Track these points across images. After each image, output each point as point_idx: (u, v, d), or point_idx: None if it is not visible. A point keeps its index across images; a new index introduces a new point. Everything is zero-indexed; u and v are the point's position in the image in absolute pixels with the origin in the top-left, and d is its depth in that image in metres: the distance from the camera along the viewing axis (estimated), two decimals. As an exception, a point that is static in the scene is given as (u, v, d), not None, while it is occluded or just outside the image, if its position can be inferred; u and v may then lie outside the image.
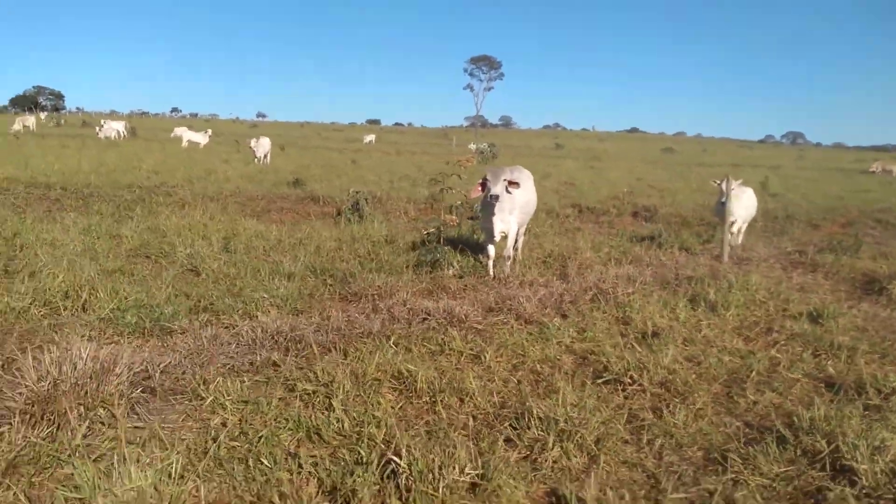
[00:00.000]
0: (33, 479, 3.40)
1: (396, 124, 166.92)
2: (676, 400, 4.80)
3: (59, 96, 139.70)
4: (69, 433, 3.81)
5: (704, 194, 19.52)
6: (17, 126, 43.15)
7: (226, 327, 5.85)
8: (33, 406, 3.99)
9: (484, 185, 8.10)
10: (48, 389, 4.02)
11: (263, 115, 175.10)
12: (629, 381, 5.03)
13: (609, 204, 16.99)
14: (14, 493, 3.30)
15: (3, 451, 3.56)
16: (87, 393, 4.08)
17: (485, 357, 5.33)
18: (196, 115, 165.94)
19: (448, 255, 8.62)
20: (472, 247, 9.56)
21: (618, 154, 58.02)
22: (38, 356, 4.37)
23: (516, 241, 8.82)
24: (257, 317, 6.05)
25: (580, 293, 7.40)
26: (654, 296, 7.41)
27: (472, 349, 5.52)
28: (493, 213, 8.13)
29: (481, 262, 8.70)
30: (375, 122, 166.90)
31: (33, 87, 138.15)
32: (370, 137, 61.33)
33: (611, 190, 20.32)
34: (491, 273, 8.32)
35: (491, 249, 8.42)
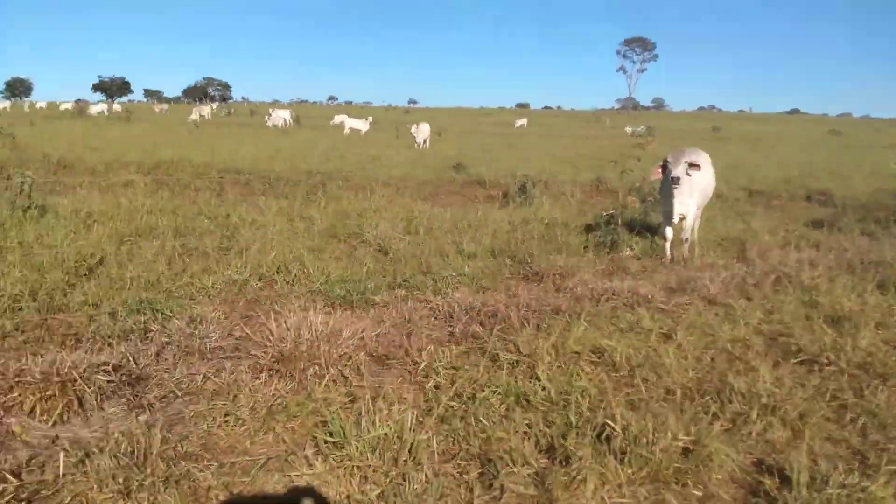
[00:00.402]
0: (287, 425, 3.94)
1: (546, 108, 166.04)
2: (876, 381, 4.75)
3: (227, 87, 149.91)
4: (308, 388, 4.36)
5: (882, 178, 18.27)
6: (194, 116, 46.89)
7: (420, 302, 6.32)
8: (277, 363, 4.58)
9: (664, 167, 8.15)
10: (290, 349, 4.60)
11: (415, 102, 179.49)
12: (826, 361, 5.01)
13: (780, 188, 16.34)
14: (274, 436, 3.85)
15: (260, 400, 4.13)
16: (320, 354, 4.61)
17: (675, 336, 5.46)
18: (351, 102, 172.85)
19: (625, 237, 8.76)
20: (647, 229, 9.64)
21: (780, 136, 54.84)
22: (278, 321, 4.99)
23: (693, 223, 8.79)
24: (448, 293, 6.48)
25: (762, 276, 7.32)
26: (840, 280, 7.19)
27: (661, 328, 5.67)
28: (672, 196, 8.15)
29: (658, 245, 8.76)
30: (524, 105, 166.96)
31: (203, 78, 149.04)
32: (522, 121, 61.54)
33: (779, 173, 19.45)
34: (668, 255, 8.37)
35: (669, 232, 8.45)
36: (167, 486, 3.30)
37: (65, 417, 3.92)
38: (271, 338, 4.74)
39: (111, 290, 6.09)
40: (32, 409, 3.91)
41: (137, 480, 3.28)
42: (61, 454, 3.40)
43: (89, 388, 4.07)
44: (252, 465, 3.53)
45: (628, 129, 43.29)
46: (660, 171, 8.24)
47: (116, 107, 59.52)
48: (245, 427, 3.90)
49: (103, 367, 4.27)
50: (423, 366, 4.73)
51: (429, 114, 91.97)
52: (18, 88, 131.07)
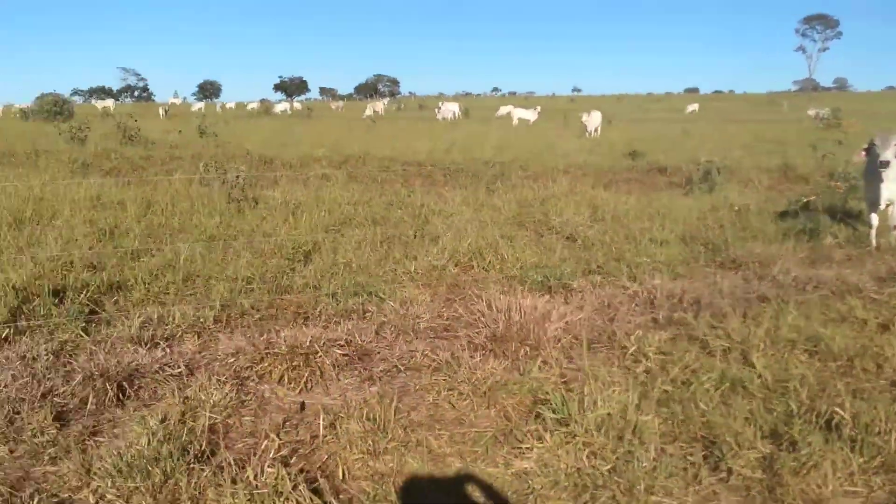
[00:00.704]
0: (507, 402, 4.14)
1: (716, 91, 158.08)
2: None
3: (395, 82, 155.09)
4: (521, 367, 4.55)
5: None
6: (368, 112, 49.05)
7: (618, 288, 6.34)
8: (491, 342, 4.81)
9: (869, 150, 7.64)
10: (502, 330, 4.81)
11: (579, 90, 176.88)
12: None
13: None
14: (496, 411, 4.06)
15: (479, 377, 4.36)
16: (531, 335, 4.79)
17: (893, 327, 5.16)
18: (514, 93, 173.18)
19: (826, 225, 8.30)
20: (849, 216, 9.07)
21: None
22: (489, 303, 5.23)
23: (901, 210, 8.16)
24: (645, 279, 6.45)
25: None
26: None
27: (876, 318, 5.36)
28: (879, 181, 7.62)
29: (862, 232, 8.22)
30: (693, 90, 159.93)
31: (374, 75, 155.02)
32: (693, 107, 59.18)
33: None
34: (874, 243, 7.84)
35: (874, 219, 7.91)
36: (408, 450, 3.60)
37: (308, 386, 4.34)
38: (483, 318, 4.98)
39: (327, 273, 6.60)
40: (281, 378, 4.38)
41: (382, 444, 3.60)
42: (321, 417, 3.80)
43: (328, 360, 4.49)
44: (480, 437, 3.76)
45: (811, 112, 40.33)
46: (864, 154, 7.74)
47: (297, 105, 63.39)
48: (467, 401, 4.14)
49: (337, 343, 4.69)
50: (631, 350, 4.78)
51: (594, 101, 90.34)
52: (209, 90, 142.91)
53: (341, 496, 3.24)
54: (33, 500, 3.12)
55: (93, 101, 53.19)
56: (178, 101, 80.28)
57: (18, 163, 15.63)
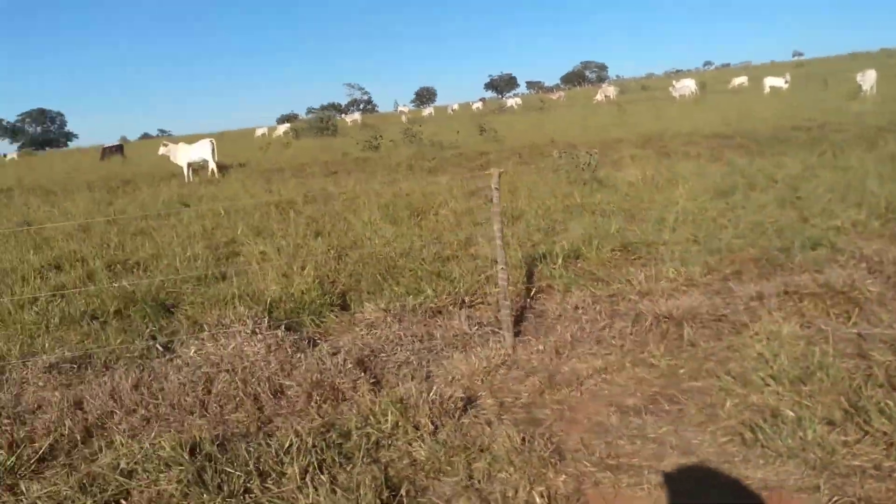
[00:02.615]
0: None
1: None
2: None
3: (603, 67, 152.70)
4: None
5: None
6: (599, 97, 49.64)
7: None
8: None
9: None
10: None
11: (800, 54, 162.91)
12: None
13: None
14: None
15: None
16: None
17: None
18: (728, 64, 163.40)
19: None
20: None
21: None
22: None
23: None
24: None
25: None
26: None
27: None
28: None
29: None
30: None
31: (580, 62, 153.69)
32: None
33: None
34: None
35: None
36: None
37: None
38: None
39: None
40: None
41: None
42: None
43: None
44: None
45: None
46: None
47: (516, 101, 64.67)
48: None
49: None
50: None
51: (822, 64, 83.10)
52: (425, 96, 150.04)
53: None
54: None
55: (342, 117, 57.83)
56: (406, 109, 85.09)
57: (349, 170, 17.78)
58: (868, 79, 25.93)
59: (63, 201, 15.35)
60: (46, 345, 5.70)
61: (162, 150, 20.03)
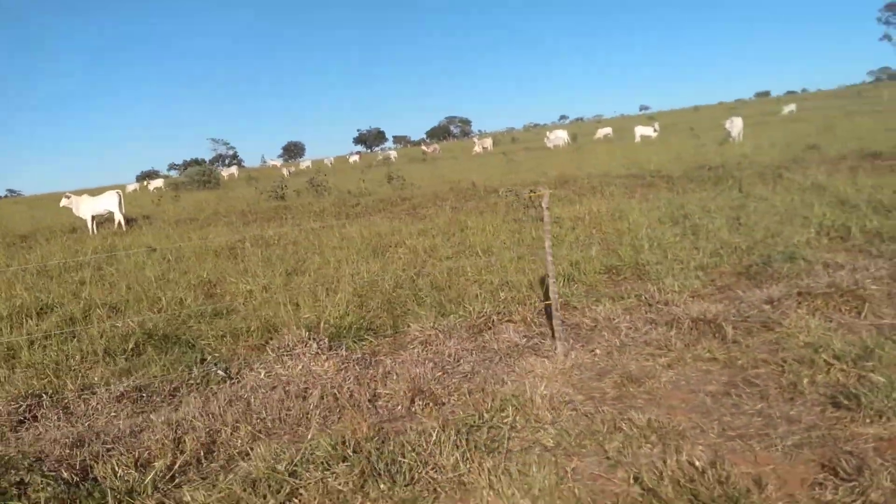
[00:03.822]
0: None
1: (789, 92, 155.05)
2: None
3: (467, 122, 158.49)
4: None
5: None
6: (477, 148, 51.64)
7: None
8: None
9: None
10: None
11: (647, 107, 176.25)
12: None
13: None
14: None
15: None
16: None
17: None
18: (581, 118, 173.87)
19: None
20: None
21: None
22: None
23: None
24: None
25: None
26: None
27: None
28: None
29: None
30: (764, 93, 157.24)
31: (445, 117, 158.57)
32: (790, 107, 58.55)
33: None
34: None
35: None
36: None
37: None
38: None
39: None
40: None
41: None
42: None
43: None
44: None
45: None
46: None
47: (394, 153, 65.96)
48: None
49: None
50: None
51: (670, 116, 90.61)
52: (293, 151, 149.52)
53: None
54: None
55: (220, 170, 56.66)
56: (277, 163, 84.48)
57: (268, 218, 17.70)
58: (736, 126, 28.78)
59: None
60: (96, 378, 5.57)
61: (64, 202, 19.09)
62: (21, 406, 5.13)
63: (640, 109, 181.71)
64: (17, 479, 3.77)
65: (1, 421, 4.98)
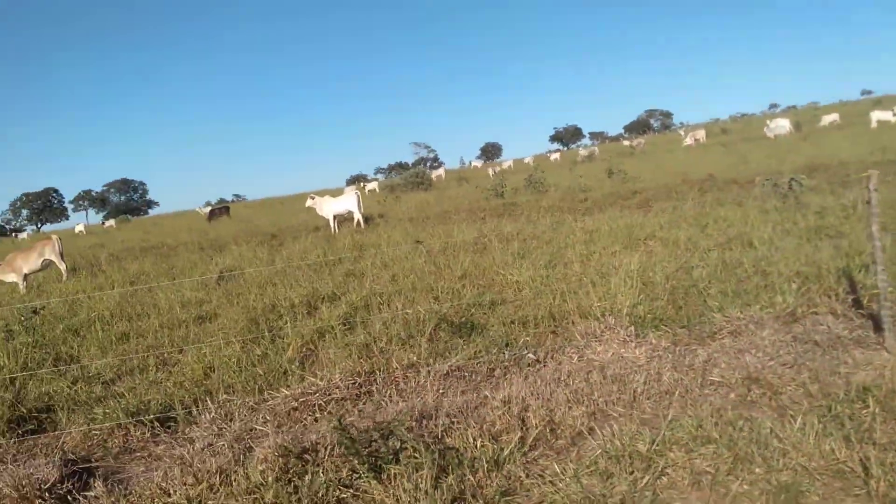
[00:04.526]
0: None
1: (790, 107, 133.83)
2: None
3: (668, 115, 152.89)
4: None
5: None
6: (689, 140, 49.58)
7: None
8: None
9: None
10: None
11: (869, 92, 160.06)
12: None
13: None
14: None
15: None
16: None
17: None
18: (793, 106, 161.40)
19: None
20: None
21: None
22: None
23: None
24: None
25: None
26: None
27: None
28: None
29: None
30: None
31: (644, 111, 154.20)
32: (831, 117, 49.15)
33: None
34: None
35: None
36: None
37: None
38: None
39: None
40: None
41: None
42: None
43: None
44: None
45: None
46: None
47: (594, 149, 65.02)
48: None
49: None
50: None
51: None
52: (491, 152, 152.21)
53: None
54: None
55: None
56: (478, 164, 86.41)
57: (498, 214, 18.11)
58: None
59: (244, 251, 15.88)
60: (414, 358, 5.99)
61: (309, 203, 20.83)
62: (356, 382, 5.63)
63: (862, 94, 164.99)
64: (397, 447, 4.11)
65: (342, 395, 5.50)
